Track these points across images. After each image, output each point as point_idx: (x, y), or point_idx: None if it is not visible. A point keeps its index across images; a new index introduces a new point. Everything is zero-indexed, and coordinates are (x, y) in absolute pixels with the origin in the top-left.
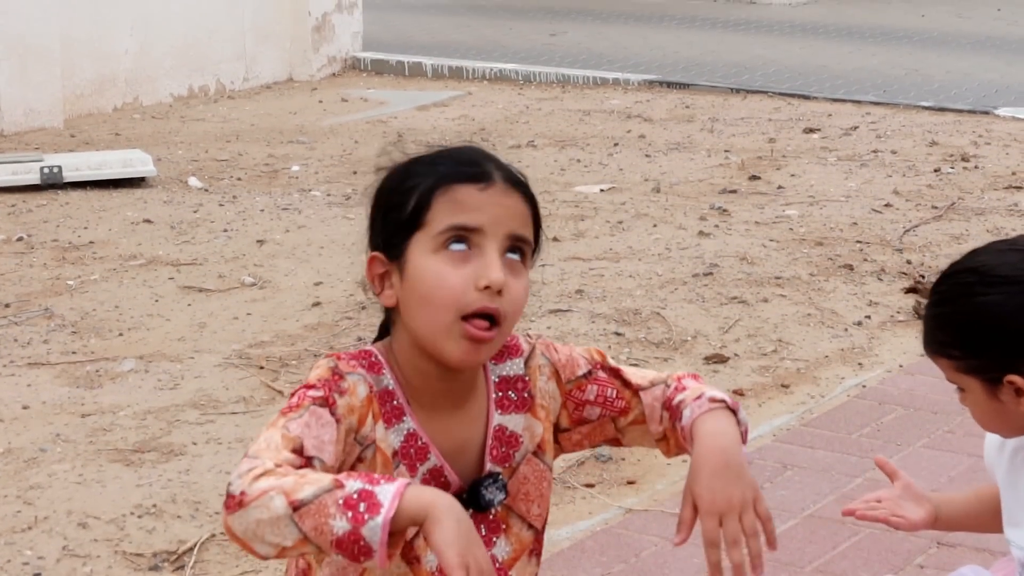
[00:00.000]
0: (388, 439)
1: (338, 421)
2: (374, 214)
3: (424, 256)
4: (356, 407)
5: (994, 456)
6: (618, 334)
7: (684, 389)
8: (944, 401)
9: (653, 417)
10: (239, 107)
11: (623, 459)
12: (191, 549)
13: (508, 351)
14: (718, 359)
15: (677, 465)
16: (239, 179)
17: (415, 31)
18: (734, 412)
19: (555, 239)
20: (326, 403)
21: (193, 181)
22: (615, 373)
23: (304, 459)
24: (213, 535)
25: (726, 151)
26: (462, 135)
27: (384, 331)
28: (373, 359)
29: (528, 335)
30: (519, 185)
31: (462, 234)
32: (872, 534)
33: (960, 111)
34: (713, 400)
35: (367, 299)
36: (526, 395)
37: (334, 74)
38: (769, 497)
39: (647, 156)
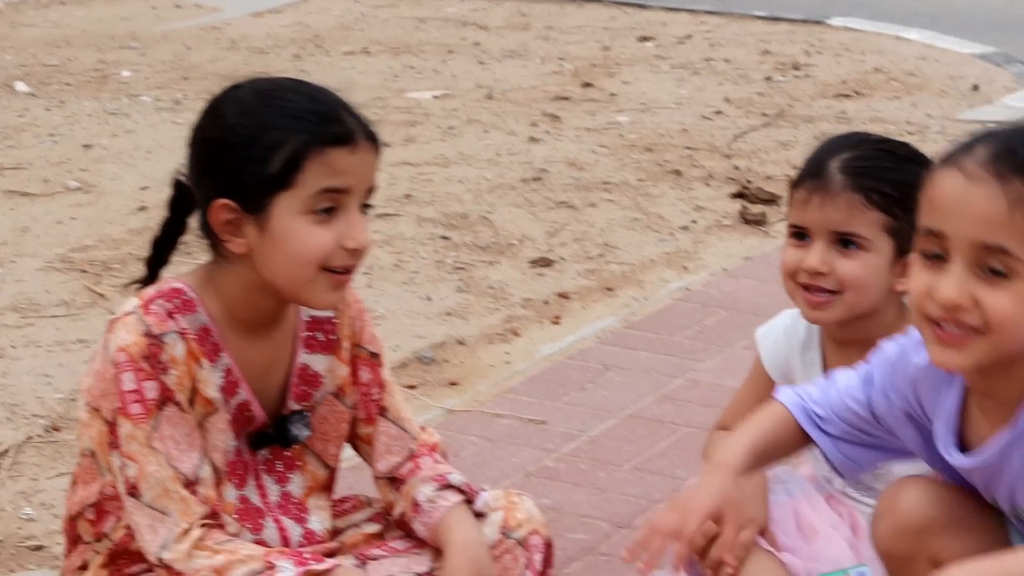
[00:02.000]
0: (210, 378)
1: (180, 406)
2: (213, 155)
3: (292, 217)
4: (183, 373)
5: (784, 363)
6: (445, 238)
7: (419, 469)
8: (765, 303)
9: (381, 457)
10: (70, 12)
11: (446, 361)
12: (6, 452)
13: (331, 305)
14: (544, 263)
15: (499, 367)
16: (68, 84)
17: None
18: (471, 500)
19: (386, 145)
20: (165, 399)
21: (20, 86)
22: (385, 385)
23: (195, 490)
24: (30, 438)
25: (560, 59)
26: (296, 42)
27: (161, 254)
28: (184, 297)
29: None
30: (375, 138)
31: (333, 197)
32: (690, 432)
33: (794, 20)
34: (449, 487)
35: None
36: (333, 337)
37: None
38: (590, 398)
39: (481, 63)
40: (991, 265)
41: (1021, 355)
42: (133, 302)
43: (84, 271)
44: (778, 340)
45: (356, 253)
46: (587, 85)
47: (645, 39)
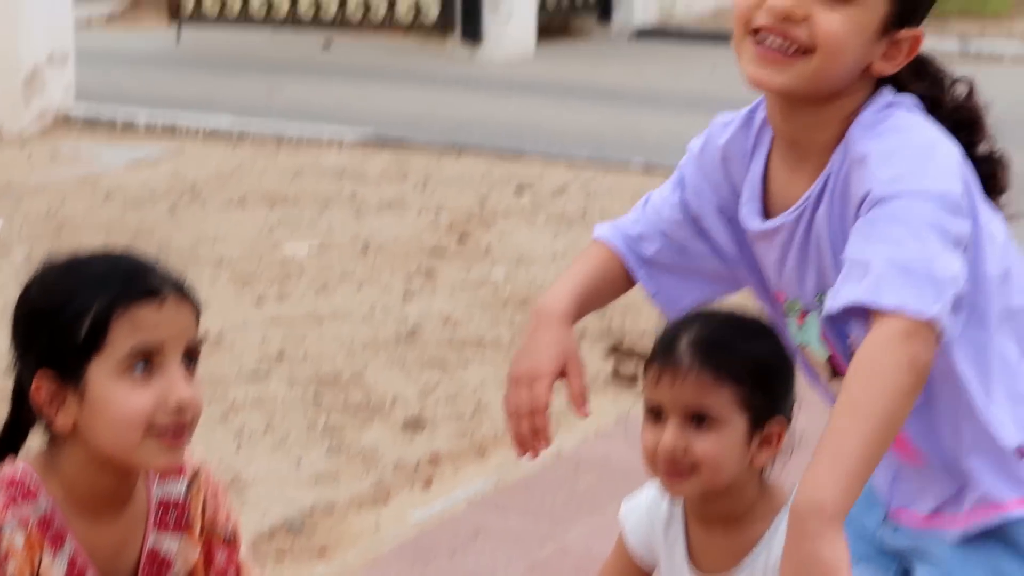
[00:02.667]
0: (53, 568)
1: None
2: (28, 331)
3: (108, 381)
4: (22, 562)
5: (647, 540)
6: (316, 399)
7: None
8: (638, 466)
9: None
10: None
11: (315, 528)
12: None
13: (172, 471)
14: (415, 425)
15: (369, 534)
16: None
17: (131, 84)
18: None
19: (259, 300)
20: None
21: None
22: (241, 568)
23: None
24: None
25: (437, 210)
26: (172, 192)
27: (19, 419)
28: (26, 487)
29: (195, 459)
30: (186, 292)
31: (146, 355)
32: None
33: (671, 169)
34: None
35: None
36: (185, 518)
37: (45, 128)
38: (459, 566)
39: (358, 214)
40: None
41: (835, 94)
42: None
43: None
44: (640, 519)
45: (181, 411)
46: (463, 237)
47: (522, 189)
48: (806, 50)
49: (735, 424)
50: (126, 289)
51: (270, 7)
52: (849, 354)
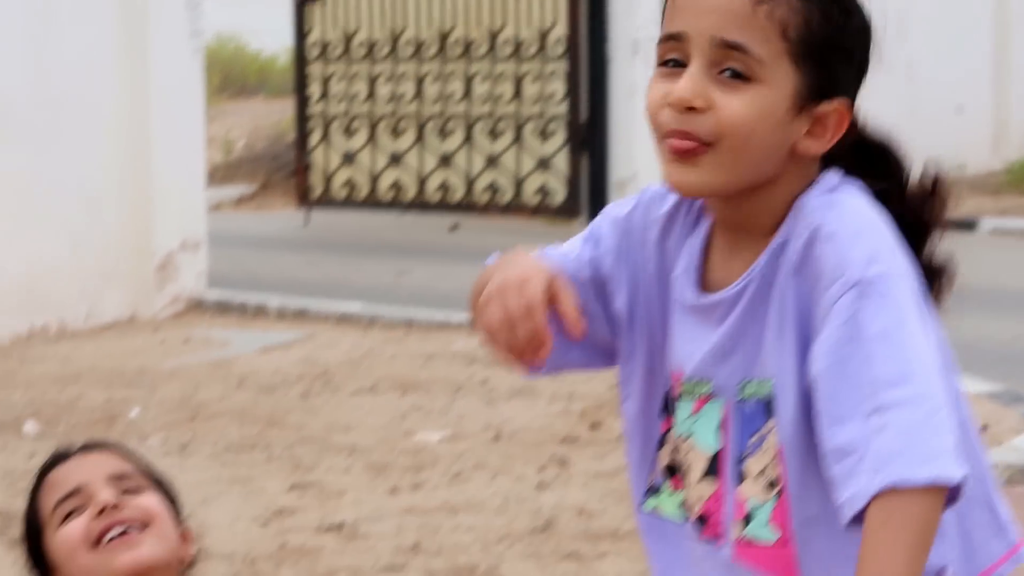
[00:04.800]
0: None
1: None
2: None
3: (55, 540)
4: None
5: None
6: None
7: None
8: None
9: None
10: (80, 347)
11: None
12: None
13: None
14: None
15: None
16: (76, 424)
17: (262, 268)
18: None
19: (393, 490)
20: None
21: (28, 427)
22: None
23: None
24: None
25: (568, 397)
26: (304, 378)
27: None
28: None
29: None
30: (96, 446)
31: (68, 503)
32: None
33: None
34: None
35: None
36: None
37: (177, 313)
38: None
39: (489, 402)
40: (730, 66)
41: (767, 180)
42: None
43: None
44: None
45: (104, 515)
46: (595, 425)
47: None
48: (711, 142)
49: (777, 81)
50: (40, 472)
51: (397, 190)
52: (744, 454)
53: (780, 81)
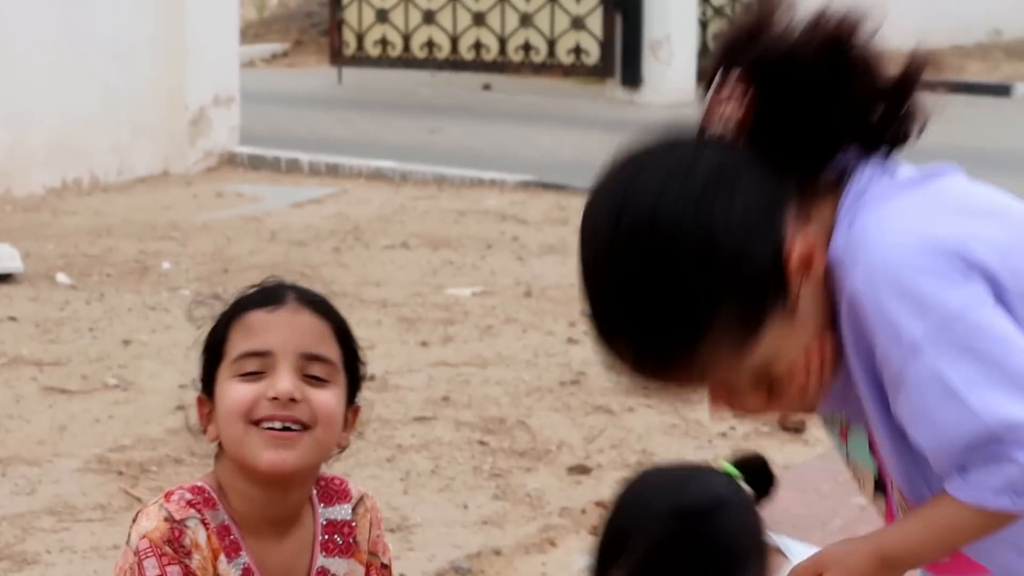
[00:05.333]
0: (229, 573)
1: None
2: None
3: (225, 382)
4: (205, 559)
5: None
6: (482, 443)
7: None
8: (804, 515)
9: None
10: (112, 200)
11: (482, 572)
12: None
13: (337, 495)
14: (581, 470)
15: None
16: (108, 275)
17: (294, 125)
18: None
19: (423, 343)
20: None
21: (61, 277)
22: None
23: None
24: None
25: None
26: (335, 233)
27: None
28: (207, 495)
29: (360, 488)
30: (313, 303)
31: (254, 358)
32: None
33: None
34: None
35: None
36: (351, 540)
37: (210, 168)
38: None
39: (520, 259)
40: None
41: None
42: (156, 499)
43: (121, 473)
44: None
45: (278, 404)
46: None
47: None
48: None
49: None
50: (244, 300)
51: (431, 48)
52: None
53: None
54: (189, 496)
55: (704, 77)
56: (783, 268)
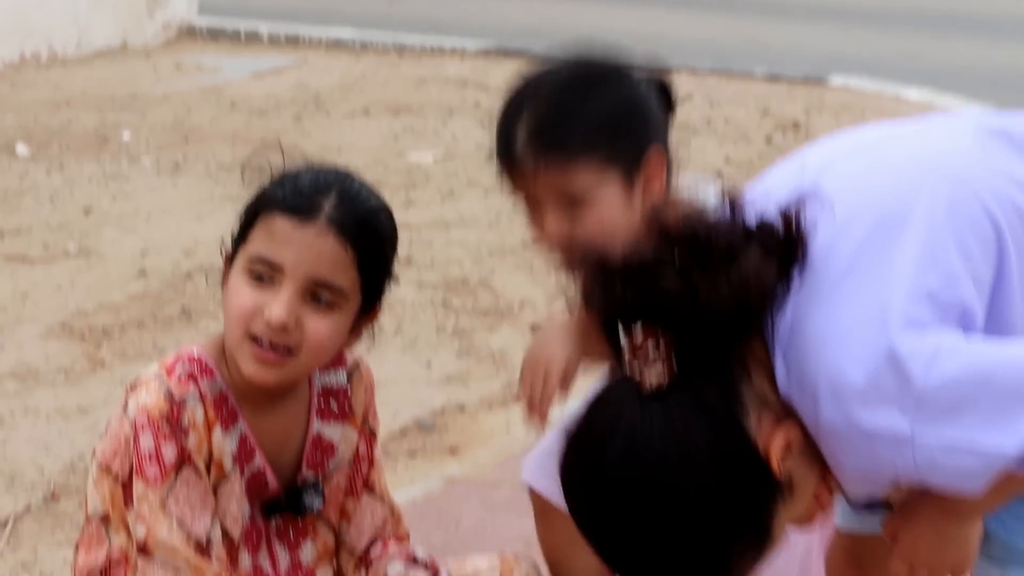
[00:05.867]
0: (224, 444)
1: (197, 469)
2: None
3: (237, 270)
4: (201, 437)
5: None
6: (445, 302)
7: (387, 550)
8: None
9: (357, 535)
10: (71, 73)
11: (446, 427)
12: (6, 522)
13: (333, 361)
14: None
15: (499, 433)
16: (68, 147)
17: None
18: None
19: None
20: (183, 461)
21: (21, 149)
22: (374, 462)
23: (207, 552)
24: (28, 508)
25: None
26: (296, 102)
27: None
28: (205, 364)
29: (354, 353)
30: (342, 227)
31: (266, 265)
32: None
33: (793, 80)
34: (415, 562)
35: (192, 268)
36: (347, 406)
37: (169, 40)
38: None
39: (482, 124)
40: None
41: None
42: (154, 367)
43: (83, 338)
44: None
45: (273, 329)
46: None
47: None
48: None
49: (608, 186)
50: (283, 198)
51: None
52: None
53: None
54: (188, 368)
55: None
56: (770, 470)
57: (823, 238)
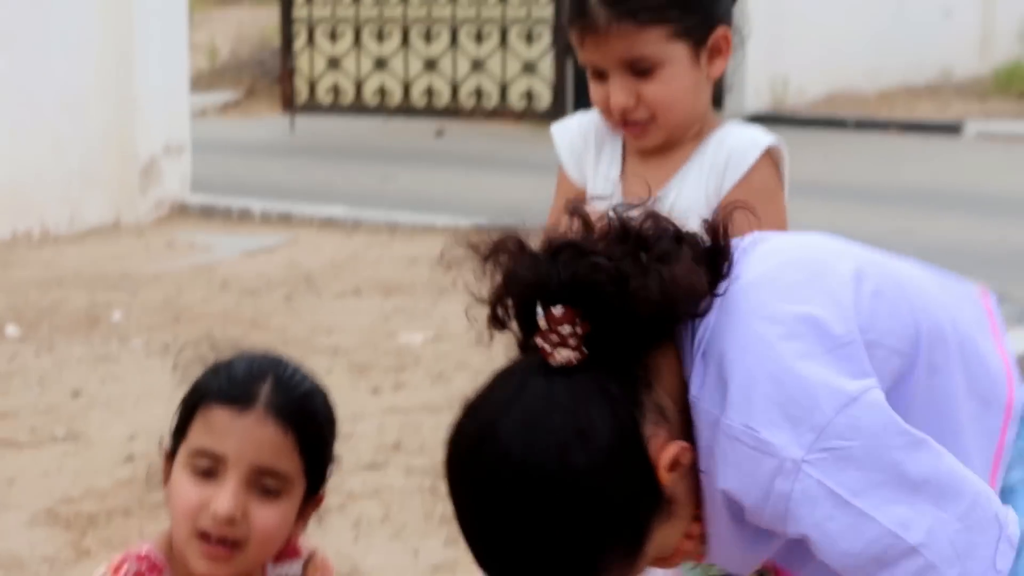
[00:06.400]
0: None
1: None
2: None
3: (179, 466)
4: None
5: (579, 158)
6: (434, 490)
7: None
8: None
9: None
10: (63, 252)
11: None
12: None
13: (287, 553)
14: None
15: None
16: (58, 327)
17: (246, 173)
18: None
19: (375, 390)
20: None
21: (11, 329)
22: None
23: None
24: None
25: None
26: (287, 282)
27: None
28: (153, 562)
29: (309, 543)
30: (281, 411)
31: (208, 457)
32: None
33: None
34: None
35: None
36: None
37: (161, 218)
38: None
39: (471, 306)
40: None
41: None
42: (101, 568)
43: (69, 525)
44: (573, 139)
45: (219, 523)
46: None
47: None
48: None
49: (678, 55)
50: (219, 388)
51: (383, 95)
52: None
53: None
54: (136, 567)
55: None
56: (656, 480)
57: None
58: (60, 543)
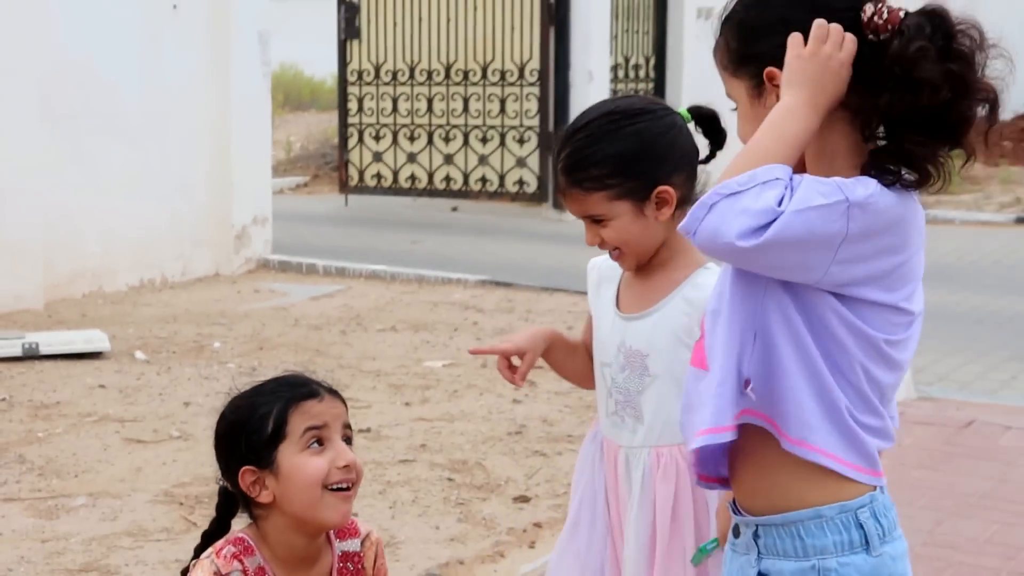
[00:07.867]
0: None
1: None
2: (229, 443)
3: (294, 457)
4: None
5: (595, 291)
6: (450, 479)
7: None
8: None
9: None
10: (177, 296)
11: None
12: None
13: (348, 531)
14: (523, 499)
15: None
16: (173, 352)
17: (312, 238)
18: None
19: (407, 404)
20: None
21: (139, 354)
22: None
23: None
24: None
25: None
26: (342, 320)
27: (226, 515)
28: (246, 544)
29: (367, 526)
30: (338, 395)
31: (316, 433)
32: None
33: None
34: None
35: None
36: (360, 567)
37: (250, 271)
38: None
39: (478, 338)
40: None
41: None
42: (209, 550)
43: (181, 504)
44: (594, 275)
45: (347, 470)
46: None
47: None
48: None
49: (619, 211)
50: (295, 393)
51: (413, 180)
52: None
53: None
54: (233, 549)
55: None
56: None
57: None
58: (174, 517)
